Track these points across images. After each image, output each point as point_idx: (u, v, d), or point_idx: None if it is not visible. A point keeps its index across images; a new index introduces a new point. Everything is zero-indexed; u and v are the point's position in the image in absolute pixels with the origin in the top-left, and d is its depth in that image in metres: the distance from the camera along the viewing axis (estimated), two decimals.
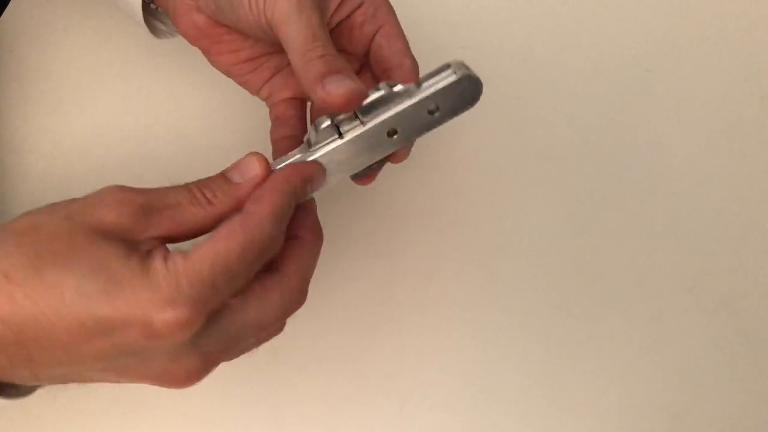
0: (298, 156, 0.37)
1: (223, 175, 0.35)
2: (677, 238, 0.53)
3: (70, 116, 0.53)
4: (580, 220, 0.53)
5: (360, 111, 0.36)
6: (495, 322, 0.50)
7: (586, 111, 0.55)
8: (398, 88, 0.36)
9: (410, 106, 0.36)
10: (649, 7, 0.58)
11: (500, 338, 0.50)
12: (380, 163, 0.39)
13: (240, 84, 0.44)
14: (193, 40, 0.42)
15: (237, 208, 0.34)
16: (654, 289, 0.51)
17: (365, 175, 0.40)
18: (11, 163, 0.52)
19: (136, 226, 0.32)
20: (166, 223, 0.33)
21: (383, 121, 0.36)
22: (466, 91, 0.37)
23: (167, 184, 0.34)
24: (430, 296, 0.50)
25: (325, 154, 0.36)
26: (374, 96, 0.36)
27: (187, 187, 0.34)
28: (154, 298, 0.29)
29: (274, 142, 0.42)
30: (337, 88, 0.34)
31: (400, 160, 0.40)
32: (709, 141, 0.55)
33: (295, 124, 0.43)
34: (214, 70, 0.43)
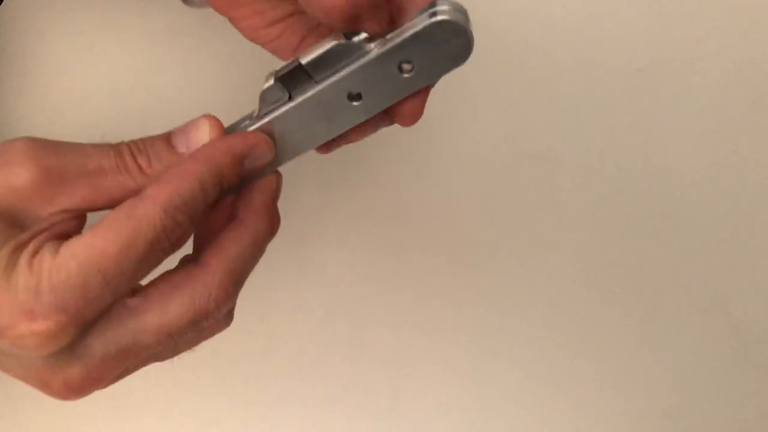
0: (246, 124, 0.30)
1: (167, 140, 0.29)
2: (670, 237, 0.53)
3: (65, 113, 0.53)
4: (573, 219, 0.53)
5: (313, 67, 0.29)
6: (488, 320, 0.50)
7: (577, 110, 0.55)
8: (360, 37, 0.29)
9: (372, 60, 0.29)
10: (641, 6, 0.58)
11: (493, 335, 0.50)
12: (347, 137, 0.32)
13: (271, 52, 0.37)
14: (217, 6, 0.36)
15: None
16: (648, 288, 0.52)
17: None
18: None
19: (39, 196, 0.27)
20: (81, 192, 0.28)
21: (340, 79, 0.29)
22: (448, 42, 0.29)
23: None
24: (423, 293, 0.51)
25: (270, 121, 0.30)
26: (326, 47, 0.29)
27: (117, 147, 0.29)
28: (12, 307, 0.25)
29: None
30: None
31: (409, 121, 0.31)
32: (702, 140, 0.55)
33: None
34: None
